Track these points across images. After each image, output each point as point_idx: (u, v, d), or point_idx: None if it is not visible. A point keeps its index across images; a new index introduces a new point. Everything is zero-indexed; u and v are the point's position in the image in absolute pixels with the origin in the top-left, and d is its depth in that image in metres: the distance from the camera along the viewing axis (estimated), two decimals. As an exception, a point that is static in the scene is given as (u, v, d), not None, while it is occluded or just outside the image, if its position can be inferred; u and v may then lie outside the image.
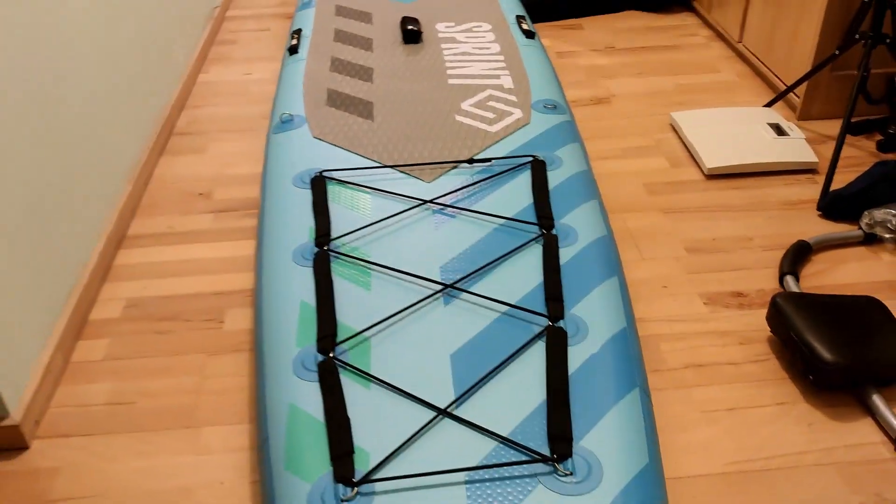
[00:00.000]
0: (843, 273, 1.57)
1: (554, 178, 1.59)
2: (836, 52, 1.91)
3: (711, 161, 1.89)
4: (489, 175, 1.59)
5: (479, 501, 0.97)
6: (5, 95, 1.34)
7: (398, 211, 1.48)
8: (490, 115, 1.82)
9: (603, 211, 1.53)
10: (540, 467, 1.01)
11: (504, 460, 1.02)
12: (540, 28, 2.80)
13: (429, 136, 1.73)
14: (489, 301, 1.28)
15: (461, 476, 1.01)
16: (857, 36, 1.89)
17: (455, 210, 1.50)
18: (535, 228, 1.43)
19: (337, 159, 1.67)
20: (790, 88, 2.08)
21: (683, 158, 1.97)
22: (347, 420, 1.07)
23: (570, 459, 1.02)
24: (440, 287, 1.30)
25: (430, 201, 1.50)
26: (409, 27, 2.19)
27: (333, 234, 1.44)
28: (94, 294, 1.57)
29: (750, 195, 1.81)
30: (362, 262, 1.36)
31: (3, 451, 1.25)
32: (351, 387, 1.14)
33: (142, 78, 2.05)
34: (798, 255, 1.59)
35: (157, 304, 1.54)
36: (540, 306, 1.26)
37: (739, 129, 2.01)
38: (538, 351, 1.18)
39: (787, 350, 1.36)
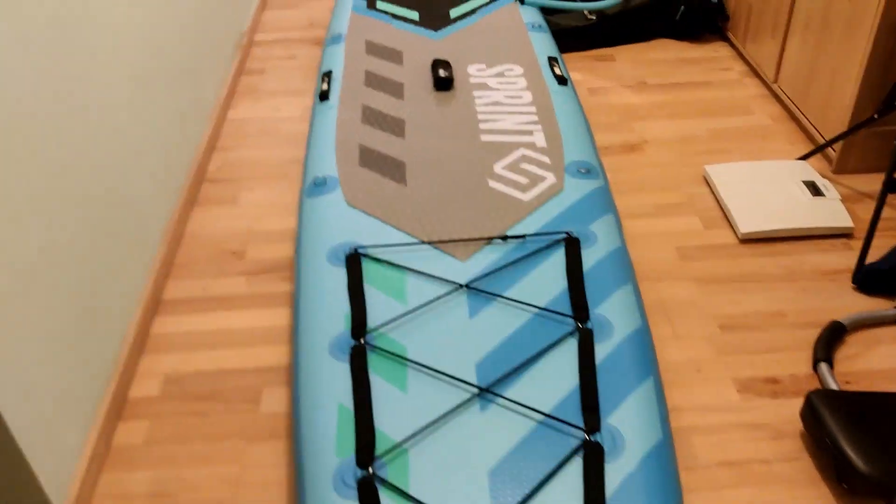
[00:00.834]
0: (878, 357, 1.57)
1: (588, 258, 1.59)
2: (875, 116, 1.88)
3: (746, 225, 1.88)
4: (523, 254, 1.60)
5: None
6: (33, 155, 1.36)
7: (434, 298, 1.49)
8: (523, 179, 1.81)
9: (638, 297, 1.53)
10: None
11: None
12: (571, 59, 2.77)
13: (462, 205, 1.73)
14: (525, 408, 1.29)
15: None
16: (897, 100, 1.86)
17: (489, 295, 1.50)
18: (571, 321, 1.43)
19: (371, 231, 1.68)
20: (826, 144, 2.05)
21: (717, 218, 1.96)
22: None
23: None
24: (476, 390, 1.31)
25: (466, 286, 1.51)
26: (441, 73, 2.17)
27: (369, 322, 1.45)
28: (133, 368, 1.59)
29: (784, 263, 1.80)
30: (399, 358, 1.38)
31: (50, 544, 1.29)
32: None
33: (172, 122, 2.06)
34: (832, 339, 1.59)
35: (195, 380, 1.56)
36: (576, 415, 1.27)
37: (774, 188, 1.99)
38: (575, 469, 1.19)
39: (821, 451, 1.36)
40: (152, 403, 1.52)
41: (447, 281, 1.53)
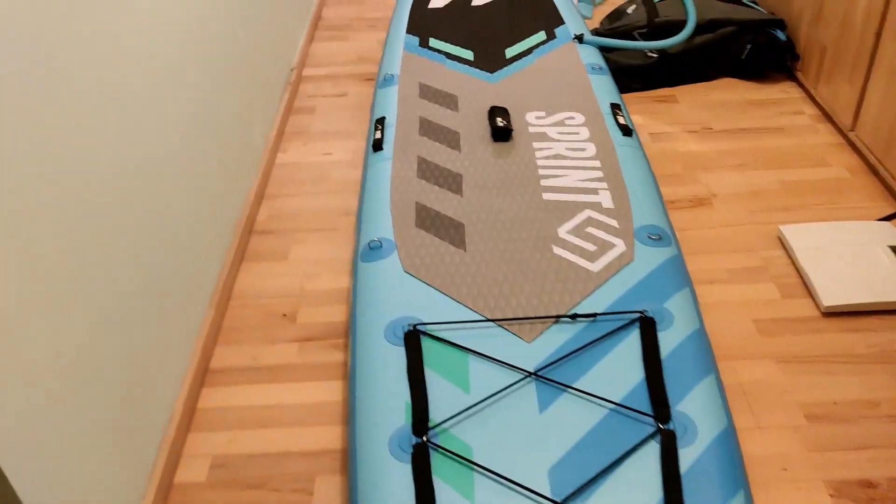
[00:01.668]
0: (983, 456, 1.44)
1: (665, 341, 1.48)
2: (974, 182, 1.75)
3: (829, 297, 1.75)
4: (594, 337, 1.49)
5: None
6: (77, 221, 1.29)
7: (500, 388, 1.39)
8: (590, 246, 1.71)
9: (721, 389, 1.41)
10: None
11: None
12: (631, 100, 2.66)
13: (526, 275, 1.63)
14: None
15: None
16: None
17: (560, 386, 1.40)
18: (651, 421, 1.32)
19: (430, 303, 1.59)
20: (914, 205, 1.92)
21: (796, 286, 1.83)
22: None
23: None
24: None
25: (534, 374, 1.41)
26: (499, 122, 2.08)
27: (432, 415, 1.36)
28: (179, 449, 1.52)
29: (874, 341, 1.67)
30: (465, 462, 1.28)
31: None
32: None
33: (222, 172, 1.99)
34: (933, 436, 1.46)
35: (244, 464, 1.48)
36: (661, 535, 1.17)
37: (857, 253, 1.86)
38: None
39: (930, 574, 1.24)
40: (200, 490, 1.44)
41: (514, 367, 1.43)
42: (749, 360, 1.66)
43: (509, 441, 1.32)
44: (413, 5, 2.87)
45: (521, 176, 1.94)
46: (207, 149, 1.90)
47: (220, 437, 1.54)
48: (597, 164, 1.99)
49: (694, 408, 1.35)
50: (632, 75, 2.68)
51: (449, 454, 1.29)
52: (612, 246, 1.72)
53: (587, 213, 1.82)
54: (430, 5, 2.87)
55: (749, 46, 2.62)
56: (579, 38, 2.53)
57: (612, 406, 1.36)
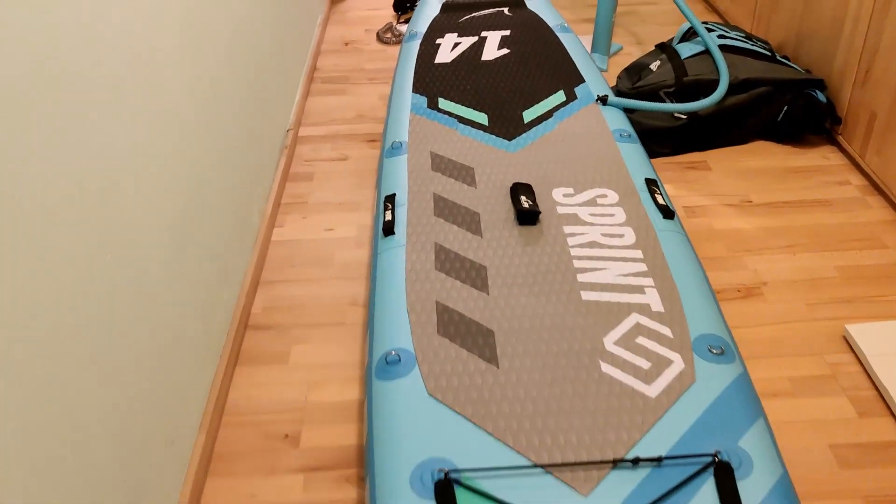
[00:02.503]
0: None
1: (746, 493, 1.24)
2: None
3: (915, 419, 1.54)
4: (662, 490, 1.25)
5: None
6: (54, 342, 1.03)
7: (557, 565, 1.15)
8: (644, 363, 1.47)
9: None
10: None
11: None
12: (658, 166, 2.45)
13: (573, 403, 1.39)
14: None
15: None
16: None
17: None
18: None
19: (462, 439, 1.34)
20: None
21: (872, 401, 1.61)
22: None
23: None
24: None
25: (596, 544, 1.17)
26: (524, 203, 1.85)
27: None
28: None
29: (970, 474, 1.45)
30: None
31: None
32: None
33: (214, 261, 1.75)
34: None
35: None
36: None
37: (938, 359, 1.65)
38: None
39: None
40: None
41: (572, 534, 1.19)
42: (832, 500, 1.42)
43: None
44: (418, 60, 2.65)
45: (555, 269, 1.71)
46: (199, 241, 1.65)
47: None
48: (638, 254, 1.76)
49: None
50: (659, 139, 2.47)
51: None
52: (669, 362, 1.49)
53: (635, 317, 1.59)
54: (437, 60, 2.65)
55: (786, 108, 2.42)
56: (603, 100, 2.31)
57: (695, 588, 1.12)
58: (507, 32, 2.81)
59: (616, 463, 1.29)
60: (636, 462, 1.28)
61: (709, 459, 1.29)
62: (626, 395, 1.40)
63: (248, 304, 1.89)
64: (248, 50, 2.14)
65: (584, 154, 2.10)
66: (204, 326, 1.65)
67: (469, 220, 1.86)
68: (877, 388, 1.63)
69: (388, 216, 1.90)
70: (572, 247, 1.77)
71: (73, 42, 1.13)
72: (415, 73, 2.57)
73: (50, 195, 1.04)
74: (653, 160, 2.50)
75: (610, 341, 1.52)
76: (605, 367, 1.46)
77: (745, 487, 1.25)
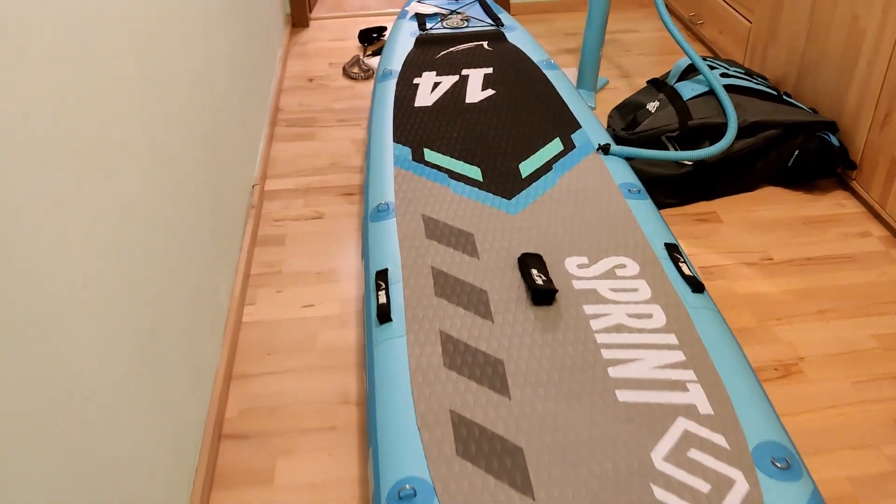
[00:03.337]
0: None
1: None
2: None
3: None
4: None
5: None
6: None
7: None
8: (702, 484, 1.26)
9: None
10: None
11: None
12: (667, 219, 2.25)
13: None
14: None
15: None
16: None
17: None
18: None
19: None
20: None
21: (946, 505, 1.43)
22: None
23: None
24: None
25: None
26: (537, 279, 1.63)
27: None
28: None
29: None
30: None
31: None
32: None
33: (182, 363, 1.48)
34: None
35: None
36: None
37: None
38: None
39: None
40: None
41: None
42: None
43: None
44: (396, 103, 2.41)
45: (581, 362, 1.49)
46: (165, 340, 1.38)
47: None
48: (672, 338, 1.55)
49: None
50: (664, 188, 2.27)
51: None
52: (731, 483, 1.28)
53: (682, 423, 1.38)
54: (417, 103, 2.42)
55: (798, 152, 2.25)
56: (605, 150, 2.11)
57: None
58: (490, 70, 2.59)
59: None
60: None
61: None
62: (691, 531, 1.19)
63: (222, 408, 1.63)
64: (205, 102, 1.88)
65: (593, 215, 1.88)
66: (175, 445, 1.38)
67: (476, 301, 1.63)
68: (949, 490, 1.46)
69: (383, 298, 1.65)
70: (597, 332, 1.55)
71: None
72: (394, 118, 2.33)
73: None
74: (660, 212, 2.30)
75: (659, 457, 1.31)
76: (660, 493, 1.24)
77: None
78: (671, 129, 2.27)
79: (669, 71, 2.62)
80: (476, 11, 3.02)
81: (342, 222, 2.22)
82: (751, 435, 1.34)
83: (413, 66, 2.64)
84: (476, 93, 2.46)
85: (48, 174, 0.97)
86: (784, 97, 2.36)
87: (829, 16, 2.34)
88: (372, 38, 3.34)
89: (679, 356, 1.49)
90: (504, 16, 2.99)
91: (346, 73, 3.09)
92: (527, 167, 2.08)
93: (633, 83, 2.98)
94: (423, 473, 1.28)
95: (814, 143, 2.23)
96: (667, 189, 2.27)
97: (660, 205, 2.29)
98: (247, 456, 1.53)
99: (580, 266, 1.73)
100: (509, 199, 1.95)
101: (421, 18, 2.96)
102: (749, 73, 2.52)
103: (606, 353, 1.50)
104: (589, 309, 1.60)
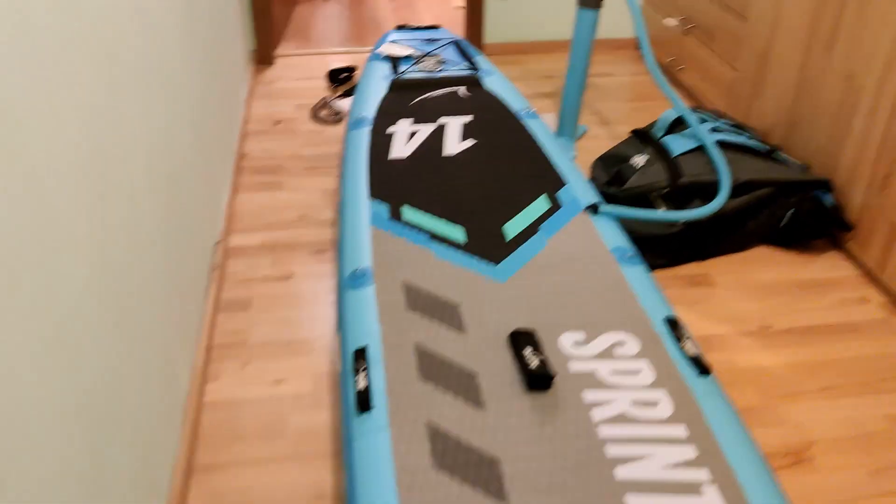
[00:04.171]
0: None
1: None
2: None
3: None
4: None
5: None
6: None
7: None
8: None
9: None
10: None
11: None
12: (659, 281, 2.13)
13: None
14: None
15: None
16: None
17: None
18: None
19: None
20: None
21: None
22: None
23: None
24: None
25: None
26: (531, 362, 1.49)
27: None
28: None
29: None
30: None
31: None
32: None
33: (137, 463, 1.29)
34: None
35: None
36: None
37: None
38: None
39: None
40: None
41: None
42: None
43: None
44: (371, 155, 2.27)
45: (585, 460, 1.34)
46: (117, 435, 1.20)
47: None
48: (681, 431, 1.42)
49: None
50: (654, 248, 2.16)
51: None
52: None
53: (700, 535, 1.25)
54: (392, 154, 2.27)
55: (791, 212, 2.16)
56: (593, 209, 1.99)
57: None
58: (469, 119, 2.46)
59: None
60: None
61: None
62: None
63: (183, 497, 1.45)
64: (164, 152, 1.71)
65: (587, 285, 1.75)
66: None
67: (466, 386, 1.48)
68: None
69: (362, 382, 1.49)
70: (599, 423, 1.41)
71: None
72: (369, 172, 2.19)
73: None
74: (653, 274, 2.19)
75: (678, 576, 1.17)
76: None
77: None
78: (661, 187, 2.17)
79: (654, 122, 2.52)
80: (451, 54, 2.90)
81: (313, 284, 2.06)
82: (777, 548, 1.21)
83: (387, 114, 2.50)
84: (455, 144, 2.33)
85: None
86: (775, 152, 2.28)
87: (820, 71, 2.27)
88: (341, 79, 3.20)
89: (690, 452, 1.36)
90: (480, 59, 2.87)
91: (315, 117, 2.94)
92: (512, 228, 1.94)
93: (614, 131, 2.89)
94: None
95: (808, 203, 2.15)
96: (657, 249, 2.16)
97: (650, 266, 2.18)
98: (209, 567, 1.36)
99: (576, 343, 1.59)
100: (496, 264, 1.81)
101: (394, 60, 2.83)
102: (738, 126, 2.43)
103: (611, 450, 1.36)
104: (589, 395, 1.47)
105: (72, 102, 1.11)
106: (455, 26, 4.04)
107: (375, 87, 2.69)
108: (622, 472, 1.31)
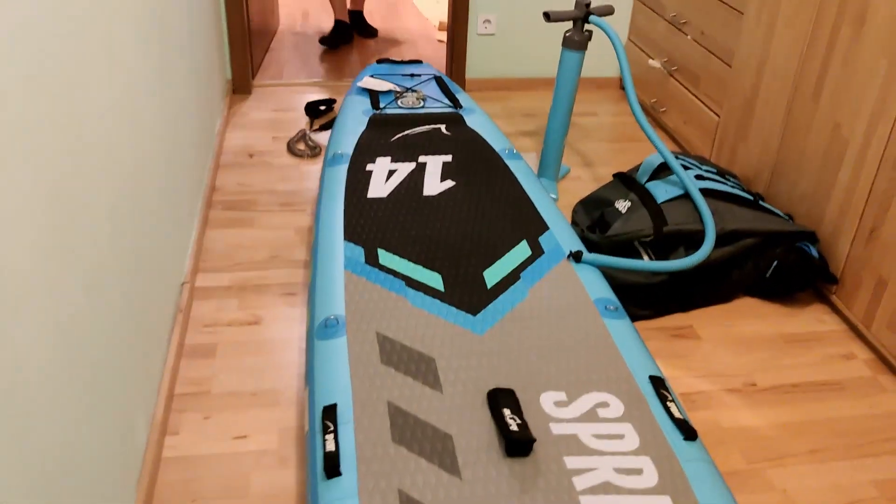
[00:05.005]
0: None
1: None
2: None
3: None
4: None
5: None
6: None
7: None
8: None
9: None
10: None
11: None
12: (642, 333, 2.07)
13: None
14: None
15: None
16: None
17: None
18: None
19: None
20: None
21: None
22: None
23: None
24: None
25: None
26: (511, 424, 1.41)
27: None
28: None
29: None
30: None
31: None
32: None
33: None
34: None
35: None
36: None
37: None
38: None
39: None
40: None
41: None
42: None
43: None
44: (347, 192, 2.20)
45: (566, 534, 1.27)
46: (58, 490, 1.10)
47: None
48: (667, 502, 1.35)
49: None
50: (636, 298, 2.10)
51: None
52: None
53: None
54: (370, 193, 2.20)
55: (776, 264, 2.12)
56: (576, 257, 1.93)
57: None
58: (449, 158, 2.40)
59: None
60: None
61: None
62: None
63: (131, 578, 1.34)
64: (133, 187, 1.62)
65: (569, 339, 1.68)
66: None
67: (441, 450, 1.40)
68: None
69: (331, 444, 1.40)
70: (582, 492, 1.33)
71: None
72: (345, 212, 2.11)
73: None
74: (635, 325, 2.13)
75: None
76: None
77: None
78: (645, 235, 2.11)
79: (638, 165, 2.48)
80: (432, 90, 2.85)
81: (282, 329, 1.97)
82: None
83: (366, 150, 2.43)
84: (434, 184, 2.27)
85: None
86: (759, 201, 2.24)
87: (807, 120, 2.23)
88: (319, 111, 3.13)
89: (676, 525, 1.29)
90: (462, 96, 2.82)
91: (291, 150, 2.86)
92: (492, 275, 1.87)
93: (596, 173, 2.84)
94: None
95: (793, 254, 2.10)
96: (639, 300, 2.10)
97: (633, 316, 2.11)
98: None
99: (557, 404, 1.52)
100: (474, 314, 1.74)
101: (374, 95, 2.77)
102: (722, 173, 2.39)
103: (594, 522, 1.28)
104: (571, 462, 1.39)
105: (30, 142, 1.03)
106: (437, 59, 4.00)
107: (354, 122, 2.62)
108: (605, 549, 1.24)
